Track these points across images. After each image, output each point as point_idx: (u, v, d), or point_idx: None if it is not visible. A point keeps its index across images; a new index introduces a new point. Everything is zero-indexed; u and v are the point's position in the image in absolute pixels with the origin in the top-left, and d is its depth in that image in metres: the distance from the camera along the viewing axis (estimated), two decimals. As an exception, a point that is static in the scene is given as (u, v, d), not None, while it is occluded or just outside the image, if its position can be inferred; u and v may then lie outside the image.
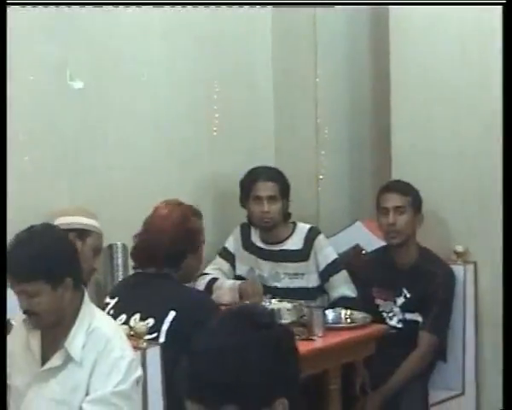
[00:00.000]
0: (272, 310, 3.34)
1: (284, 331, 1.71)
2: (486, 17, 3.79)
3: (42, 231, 2.75)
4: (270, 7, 4.38)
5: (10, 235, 2.73)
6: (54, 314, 2.63)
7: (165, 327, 3.00)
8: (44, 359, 2.64)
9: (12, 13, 3.35)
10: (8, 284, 2.63)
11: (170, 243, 3.13)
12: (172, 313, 3.01)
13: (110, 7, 3.71)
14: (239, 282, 3.87)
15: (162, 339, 2.97)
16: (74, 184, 3.68)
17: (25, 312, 2.61)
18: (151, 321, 3.01)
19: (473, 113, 3.92)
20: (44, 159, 3.60)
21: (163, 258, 3.14)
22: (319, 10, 4.41)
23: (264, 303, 3.57)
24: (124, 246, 3.61)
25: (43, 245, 2.70)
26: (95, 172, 3.80)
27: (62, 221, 3.37)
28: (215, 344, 1.62)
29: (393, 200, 3.90)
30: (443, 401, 3.87)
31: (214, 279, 3.84)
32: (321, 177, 4.40)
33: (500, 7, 3.34)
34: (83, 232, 3.45)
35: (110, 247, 3.62)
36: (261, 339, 1.61)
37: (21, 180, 3.55)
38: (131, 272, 3.50)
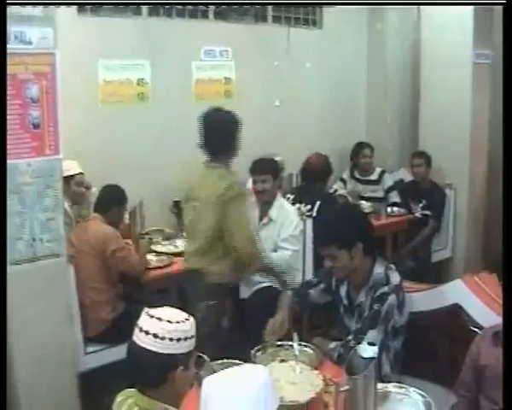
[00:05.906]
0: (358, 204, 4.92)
1: (362, 211, 3.22)
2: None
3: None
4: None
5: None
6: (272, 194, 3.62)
7: (315, 209, 4.29)
8: (260, 219, 3.83)
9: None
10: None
11: (324, 171, 4.56)
12: (318, 202, 4.30)
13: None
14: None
15: (314, 215, 4.28)
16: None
17: (260, 191, 3.58)
18: (309, 206, 4.31)
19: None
20: (257, 141, 4.79)
21: (320, 177, 4.49)
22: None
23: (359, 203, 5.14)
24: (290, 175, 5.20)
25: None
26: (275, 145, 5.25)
27: None
28: (329, 215, 2.75)
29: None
30: (436, 250, 5.56)
31: (335, 190, 5.48)
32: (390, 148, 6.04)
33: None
34: None
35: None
36: (352, 211, 2.75)
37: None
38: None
